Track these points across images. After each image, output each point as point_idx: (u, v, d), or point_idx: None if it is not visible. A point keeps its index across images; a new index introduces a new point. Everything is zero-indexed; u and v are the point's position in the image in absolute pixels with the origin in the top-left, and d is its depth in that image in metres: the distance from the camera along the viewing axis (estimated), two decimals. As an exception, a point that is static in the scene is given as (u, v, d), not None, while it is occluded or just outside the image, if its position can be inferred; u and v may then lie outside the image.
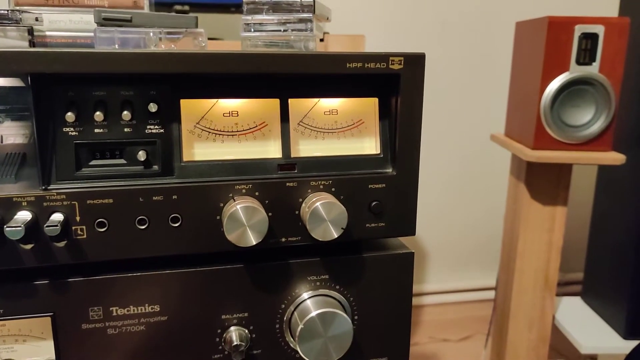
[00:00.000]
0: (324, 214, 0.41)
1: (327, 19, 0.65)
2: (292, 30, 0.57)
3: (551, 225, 1.25)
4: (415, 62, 0.42)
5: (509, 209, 1.31)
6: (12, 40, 0.37)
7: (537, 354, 1.27)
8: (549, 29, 1.10)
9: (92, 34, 0.51)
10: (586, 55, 1.10)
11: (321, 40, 0.98)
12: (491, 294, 1.61)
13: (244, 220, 0.39)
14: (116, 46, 0.40)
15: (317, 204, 0.41)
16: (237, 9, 1.26)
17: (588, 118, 1.12)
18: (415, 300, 1.68)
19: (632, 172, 1.27)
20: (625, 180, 1.30)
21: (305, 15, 0.56)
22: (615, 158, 1.11)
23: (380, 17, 1.52)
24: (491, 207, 1.70)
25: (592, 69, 1.08)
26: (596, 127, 1.11)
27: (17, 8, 0.48)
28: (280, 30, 0.57)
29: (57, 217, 0.38)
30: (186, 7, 1.24)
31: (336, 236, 0.41)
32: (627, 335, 1.26)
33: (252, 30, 0.57)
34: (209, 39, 1.24)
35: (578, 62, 1.09)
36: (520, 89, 1.22)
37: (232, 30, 1.47)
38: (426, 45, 1.55)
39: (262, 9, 0.57)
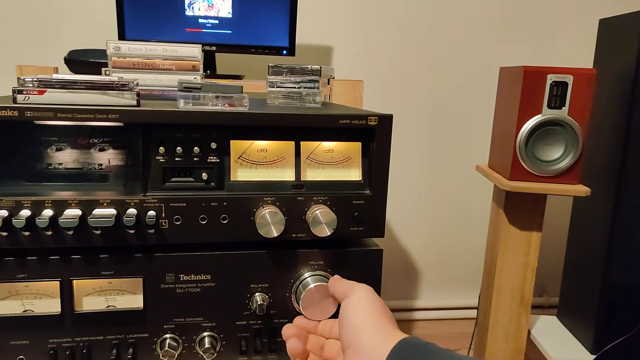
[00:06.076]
0: (321, 218, 0.65)
1: (332, 77, 0.91)
2: (304, 87, 0.82)
3: (527, 249, 1.45)
4: (385, 120, 0.67)
5: (490, 233, 1.53)
6: (127, 100, 0.62)
7: (513, 363, 1.48)
8: (524, 77, 1.32)
9: (166, 88, 0.78)
10: (557, 100, 1.32)
11: (327, 83, 1.23)
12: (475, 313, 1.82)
13: (269, 220, 0.64)
14: (190, 104, 0.65)
15: (317, 211, 0.65)
16: (256, 50, 1.52)
17: (558, 154, 1.34)
18: (407, 315, 1.88)
19: (599, 203, 1.49)
20: (594, 210, 1.52)
21: (313, 77, 0.81)
22: (581, 190, 1.32)
23: (379, 64, 1.77)
24: (482, 231, 1.92)
25: (562, 112, 1.31)
26: (565, 162, 1.33)
27: (123, 77, 0.74)
28: (295, 87, 0.82)
29: (152, 213, 0.62)
30: (213, 48, 1.51)
31: (329, 234, 0.66)
32: (594, 350, 1.46)
33: (275, 86, 0.82)
34: (232, 76, 1.50)
35: (549, 106, 1.32)
36: (501, 126, 1.45)
37: (250, 68, 1.74)
38: (424, 84, 1.80)
39: (282, 71, 0.82)
